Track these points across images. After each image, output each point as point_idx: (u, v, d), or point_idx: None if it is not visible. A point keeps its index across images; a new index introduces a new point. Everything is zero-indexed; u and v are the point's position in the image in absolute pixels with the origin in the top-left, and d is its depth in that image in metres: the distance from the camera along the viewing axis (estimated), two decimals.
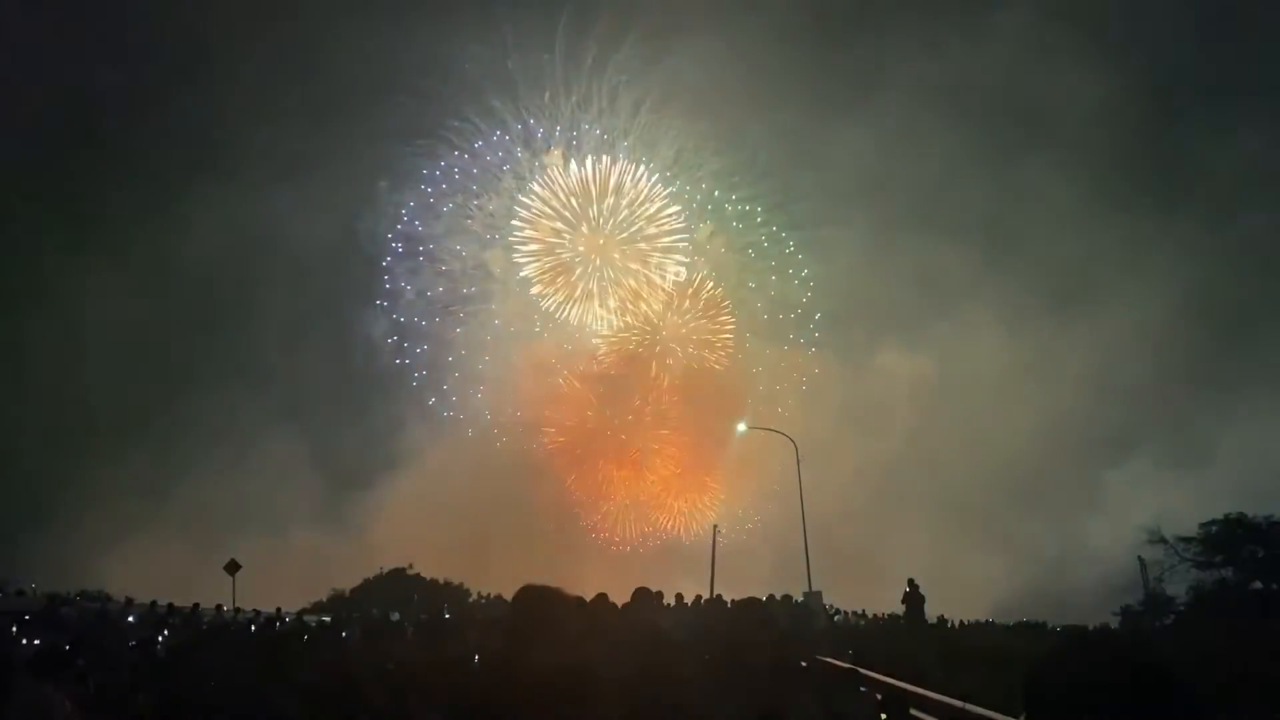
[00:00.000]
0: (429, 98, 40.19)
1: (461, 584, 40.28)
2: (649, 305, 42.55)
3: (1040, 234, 45.27)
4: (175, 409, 41.02)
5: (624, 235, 42.01)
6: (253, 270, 41.67)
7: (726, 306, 42.92)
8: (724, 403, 41.95)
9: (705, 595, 27.18)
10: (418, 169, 41.20)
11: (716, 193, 42.68)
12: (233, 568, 27.90)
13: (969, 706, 9.40)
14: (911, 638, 23.21)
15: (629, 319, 42.46)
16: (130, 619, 22.01)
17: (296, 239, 40.27)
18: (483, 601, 36.13)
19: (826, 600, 30.38)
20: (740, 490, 41.66)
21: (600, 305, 42.15)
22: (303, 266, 41.92)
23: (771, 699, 5.93)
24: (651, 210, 41.71)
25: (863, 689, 9.12)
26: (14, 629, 18.18)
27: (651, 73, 41.14)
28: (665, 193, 41.82)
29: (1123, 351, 42.04)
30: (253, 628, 21.88)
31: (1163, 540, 31.04)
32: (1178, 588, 30.74)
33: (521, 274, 41.98)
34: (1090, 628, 30.15)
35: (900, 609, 26.35)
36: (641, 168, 41.56)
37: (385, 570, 40.69)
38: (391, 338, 41.53)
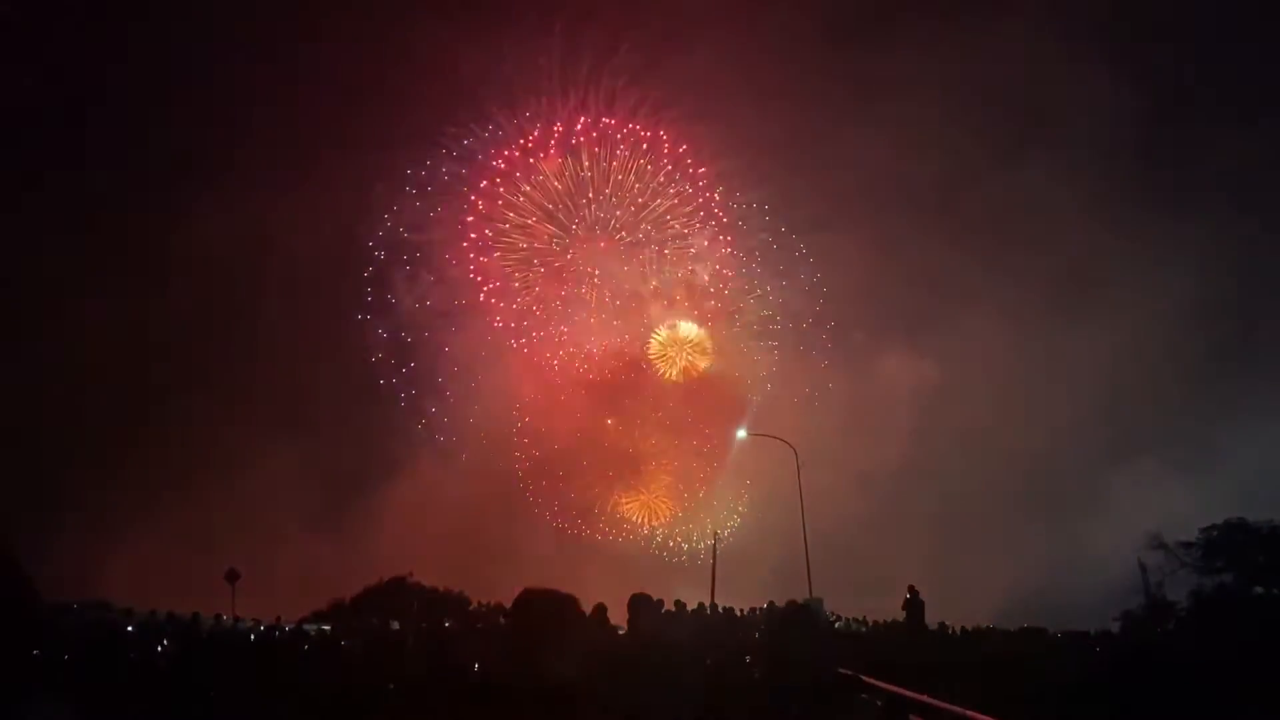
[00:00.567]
0: (425, 103, 40.33)
1: (461, 592, 40.20)
2: (648, 310, 42.68)
3: (1045, 237, 45.05)
4: (173, 416, 40.99)
5: (624, 239, 42.15)
6: (249, 276, 41.60)
7: (728, 311, 43.06)
8: (724, 408, 42.01)
9: (706, 603, 27.21)
10: (414, 174, 41.32)
11: (716, 195, 42.78)
12: (232, 576, 27.83)
13: (970, 714, 9.38)
14: (912, 644, 23.18)
15: (628, 324, 42.58)
16: (129, 628, 21.97)
17: (292, 245, 40.28)
18: (483, 610, 36.07)
19: (828, 608, 30.33)
20: (741, 496, 41.68)
21: (597, 311, 42.27)
22: (299, 273, 41.88)
23: None
24: (654, 206, 41.89)
25: (864, 696, 9.09)
26: None
27: (650, 76, 41.28)
28: (668, 189, 41.91)
29: (1128, 355, 41.85)
30: (252, 637, 21.85)
31: (1163, 545, 30.99)
32: (1179, 593, 30.67)
33: (516, 281, 42.13)
34: (1091, 633, 30.18)
35: (902, 616, 26.35)
36: (646, 164, 41.65)
37: (385, 578, 40.65)
38: (388, 343, 41.58)
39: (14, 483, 34.61)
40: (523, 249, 42.39)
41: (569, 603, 3.95)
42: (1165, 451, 40.98)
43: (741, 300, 43.37)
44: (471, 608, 37.37)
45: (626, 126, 41.64)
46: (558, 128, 41.57)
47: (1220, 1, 43.51)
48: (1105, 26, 43.65)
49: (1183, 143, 44.71)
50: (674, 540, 41.91)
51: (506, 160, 41.88)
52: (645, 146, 41.84)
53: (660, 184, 42.23)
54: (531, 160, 41.95)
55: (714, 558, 34.65)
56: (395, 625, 27.32)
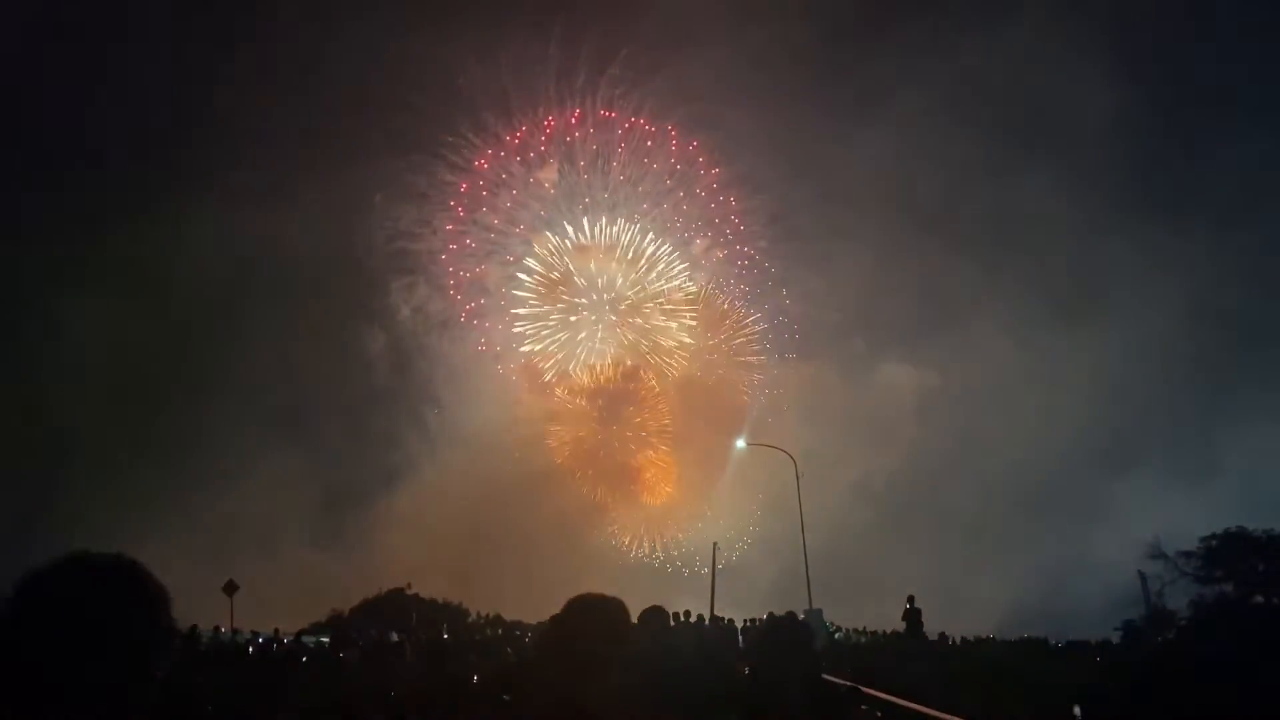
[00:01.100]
0: (423, 113, 40.42)
1: (460, 604, 40.11)
2: (648, 319, 42.69)
3: (1045, 243, 45.15)
4: (171, 427, 40.96)
5: (622, 246, 42.26)
6: (249, 285, 41.64)
7: (727, 319, 43.06)
8: (723, 418, 41.97)
9: (706, 614, 27.10)
10: (414, 184, 41.39)
11: (713, 204, 42.83)
12: (231, 588, 27.73)
13: None
14: (912, 655, 23.11)
15: (627, 332, 42.62)
16: None
17: (293, 254, 40.33)
18: (482, 621, 35.98)
19: (827, 618, 30.24)
20: (740, 506, 41.58)
21: (595, 319, 42.35)
22: (299, 282, 41.91)
23: None
24: (651, 213, 42.01)
25: (864, 707, 9.07)
26: None
27: (646, 85, 41.40)
28: (667, 196, 42.02)
29: (1129, 362, 41.71)
30: (251, 649, 21.78)
31: (1162, 555, 30.95)
32: (1178, 602, 30.59)
33: (515, 289, 42.24)
34: (1092, 643, 30.06)
35: (902, 626, 26.29)
36: (644, 172, 41.74)
37: (384, 590, 40.53)
38: (387, 351, 41.62)
39: (9, 494, 34.61)
40: (521, 258, 42.55)
41: (622, 609, 3.73)
42: (1166, 460, 40.95)
43: (740, 308, 43.46)
44: (470, 619, 37.28)
45: (623, 133, 41.83)
46: (548, 128, 41.72)
47: (1223, 10, 43.62)
48: (1106, 34, 43.81)
49: (1183, 150, 44.86)
50: (673, 551, 41.87)
51: (504, 169, 42.07)
52: (643, 156, 42.03)
53: (658, 191, 42.44)
54: (529, 169, 42.15)
55: (713, 568, 34.60)
56: (394, 637, 27.24)
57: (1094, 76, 42.33)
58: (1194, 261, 41.27)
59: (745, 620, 28.74)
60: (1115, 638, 30.05)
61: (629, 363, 42.68)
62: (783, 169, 42.52)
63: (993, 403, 43.74)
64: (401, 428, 41.90)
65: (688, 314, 42.84)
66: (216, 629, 25.40)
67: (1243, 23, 42.90)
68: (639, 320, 42.73)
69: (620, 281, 42.35)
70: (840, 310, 43.19)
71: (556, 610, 3.59)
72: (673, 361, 42.91)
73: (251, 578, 29.62)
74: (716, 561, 35.09)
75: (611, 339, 42.63)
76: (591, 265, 42.25)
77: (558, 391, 42.80)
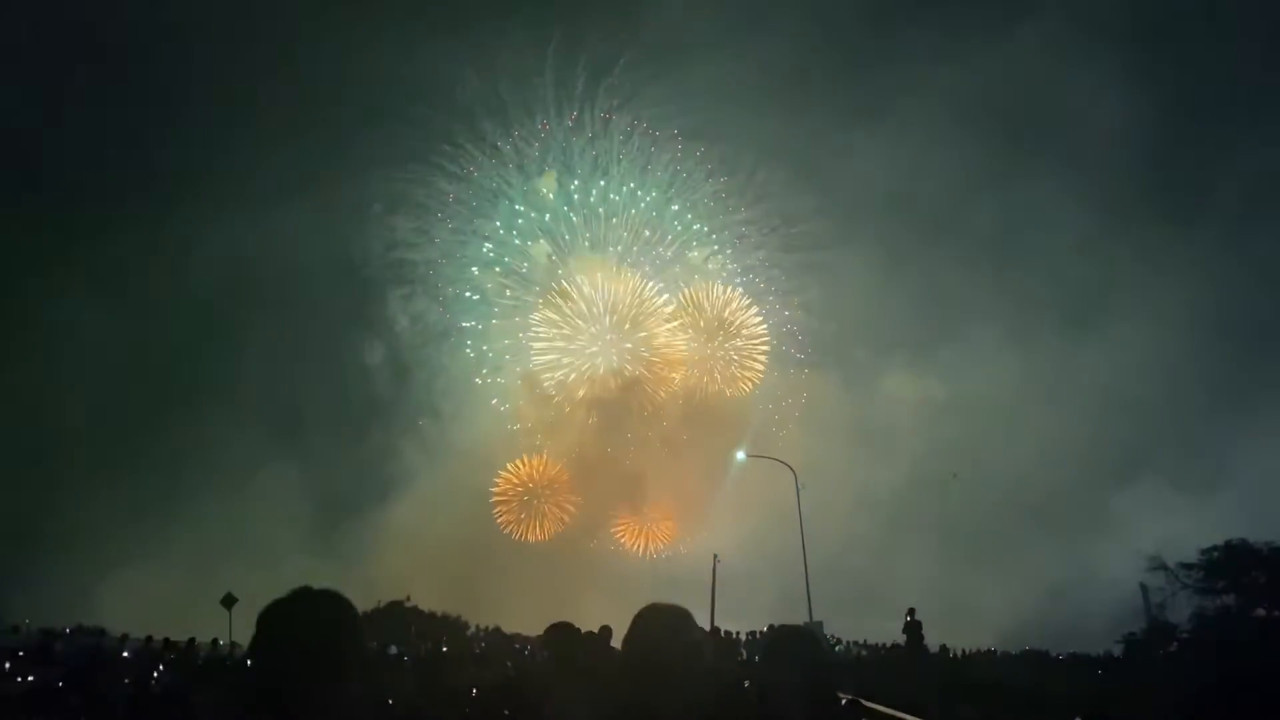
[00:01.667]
0: (422, 124, 40.53)
1: (459, 617, 39.96)
2: (647, 329, 42.66)
3: (1050, 253, 44.94)
4: (169, 439, 40.90)
5: (621, 256, 42.32)
6: (247, 296, 41.67)
7: (726, 331, 43.02)
8: (724, 428, 41.87)
9: (705, 626, 26.98)
10: (412, 194, 41.47)
11: (714, 215, 42.88)
12: (229, 602, 27.61)
13: None
14: (912, 668, 23.02)
15: (627, 342, 42.61)
16: (125, 654, 21.80)
17: (290, 264, 40.37)
18: (480, 635, 35.83)
19: (829, 630, 30.10)
20: (741, 518, 41.41)
21: (595, 330, 42.31)
22: (297, 292, 41.95)
23: None
24: (651, 223, 42.09)
25: None
26: (6, 665, 18.00)
27: (645, 95, 41.50)
28: (667, 206, 42.06)
29: (1135, 372, 41.45)
30: (249, 662, 21.67)
31: (1164, 567, 30.84)
32: (1180, 614, 30.47)
33: (514, 299, 42.23)
34: (1094, 656, 29.94)
35: (903, 639, 26.16)
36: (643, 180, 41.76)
37: (383, 603, 40.36)
38: (385, 362, 41.62)
39: (6, 505, 34.55)
40: (520, 267, 42.59)
41: (691, 621, 3.55)
42: (1171, 471, 40.55)
43: (741, 318, 43.40)
44: (470, 632, 37.14)
45: (622, 140, 41.91)
46: (552, 151, 41.85)
47: (1229, 15, 43.61)
48: (1110, 42, 43.83)
49: (1189, 159, 44.74)
50: (673, 561, 41.72)
51: (502, 178, 42.18)
52: (642, 164, 42.11)
53: (658, 200, 42.50)
54: (526, 177, 42.26)
55: (713, 580, 34.45)
56: (393, 650, 27.10)
57: (1098, 84, 42.35)
58: (1202, 268, 41.15)
59: (746, 634, 28.66)
60: (1117, 650, 29.97)
61: (628, 372, 42.67)
62: (784, 178, 42.59)
63: (998, 412, 43.49)
64: (398, 437, 41.86)
65: (687, 324, 42.85)
66: (214, 642, 25.28)
67: (1248, 28, 42.83)
68: (638, 330, 42.78)
69: (620, 291, 42.41)
70: (843, 320, 43.21)
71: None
72: (673, 372, 42.90)
73: (249, 590, 29.50)
74: (716, 573, 34.96)
75: (611, 349, 42.66)
76: (594, 275, 42.31)
77: (556, 402, 42.77)
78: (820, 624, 29.53)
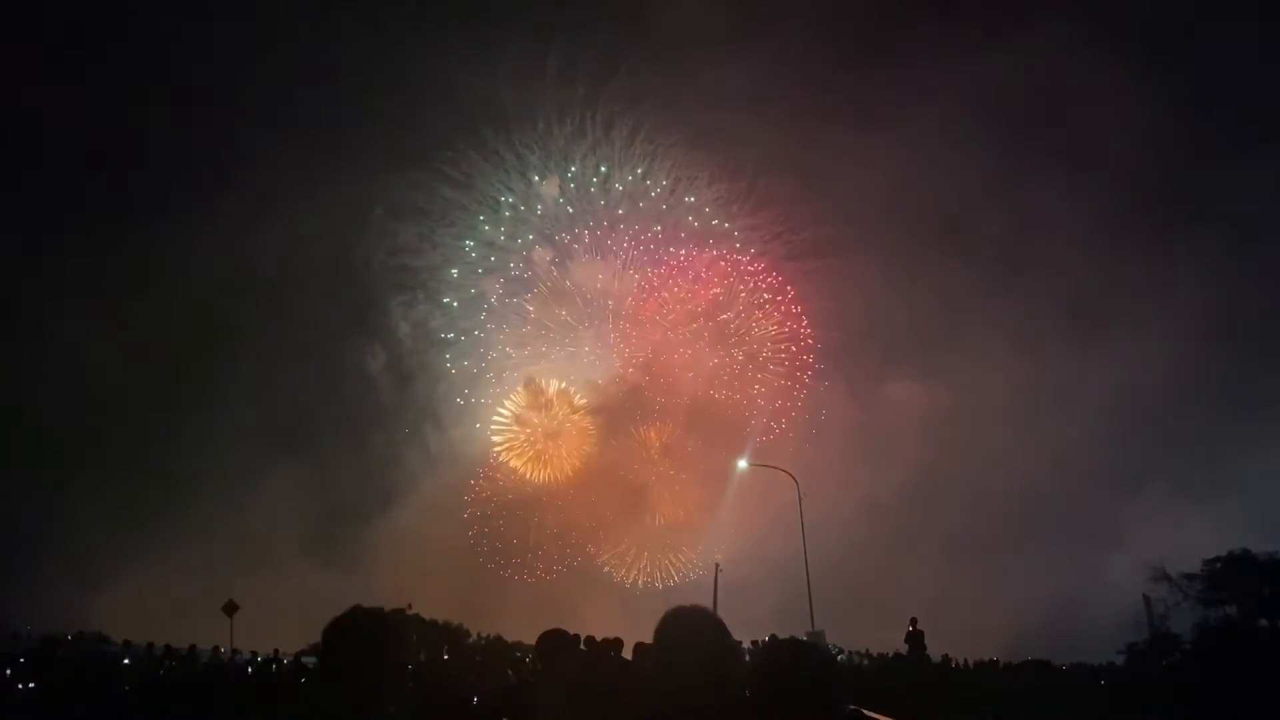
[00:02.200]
0: (423, 129, 40.60)
1: (460, 625, 39.93)
2: (651, 335, 42.69)
3: (1056, 260, 44.34)
4: (170, 445, 40.94)
5: (622, 261, 42.35)
6: (247, 301, 41.69)
7: (729, 337, 43.04)
8: (726, 437, 41.82)
9: None
10: (413, 199, 41.51)
11: (714, 221, 42.87)
12: (230, 608, 27.65)
13: None
14: (913, 677, 22.98)
15: (629, 348, 42.63)
16: (126, 661, 21.81)
17: (291, 269, 40.40)
18: (481, 643, 35.79)
19: (830, 640, 30.03)
20: (743, 526, 41.32)
21: (597, 335, 42.38)
22: (299, 298, 41.95)
23: None
24: (653, 228, 42.14)
25: None
26: (7, 672, 18.00)
27: (646, 101, 41.52)
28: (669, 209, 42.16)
29: (1142, 380, 40.95)
30: (250, 669, 21.67)
31: (1166, 577, 30.73)
32: (1183, 625, 30.35)
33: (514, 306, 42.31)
34: (1096, 666, 29.85)
35: (905, 648, 26.13)
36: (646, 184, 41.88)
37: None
38: (386, 368, 41.66)
39: (8, 513, 34.55)
40: (521, 273, 42.65)
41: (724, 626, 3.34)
42: (1177, 480, 40.21)
43: (744, 325, 43.39)
44: (471, 640, 37.10)
45: (624, 148, 41.98)
46: (553, 156, 41.94)
47: (1232, 22, 43.43)
48: (1118, 45, 43.65)
49: (1199, 164, 44.31)
50: (675, 572, 41.67)
51: (504, 183, 42.27)
52: (641, 170, 42.15)
53: (659, 202, 42.54)
54: (528, 183, 42.34)
55: (715, 589, 34.41)
56: None
57: (1109, 89, 42.10)
58: (1209, 277, 40.90)
59: (749, 643, 28.56)
60: (1119, 660, 29.88)
61: (631, 379, 42.69)
62: (789, 183, 42.39)
63: (1003, 419, 43.24)
64: (400, 444, 41.86)
65: (691, 330, 42.87)
66: (216, 649, 25.29)
67: (1266, 32, 42.47)
68: (642, 336, 42.82)
69: (623, 297, 42.50)
70: (847, 327, 42.94)
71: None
72: (676, 379, 42.91)
73: (250, 597, 29.53)
74: (718, 582, 34.95)
75: (615, 356, 42.70)
76: (595, 281, 42.40)
77: (559, 408, 42.77)
78: (822, 633, 29.47)
